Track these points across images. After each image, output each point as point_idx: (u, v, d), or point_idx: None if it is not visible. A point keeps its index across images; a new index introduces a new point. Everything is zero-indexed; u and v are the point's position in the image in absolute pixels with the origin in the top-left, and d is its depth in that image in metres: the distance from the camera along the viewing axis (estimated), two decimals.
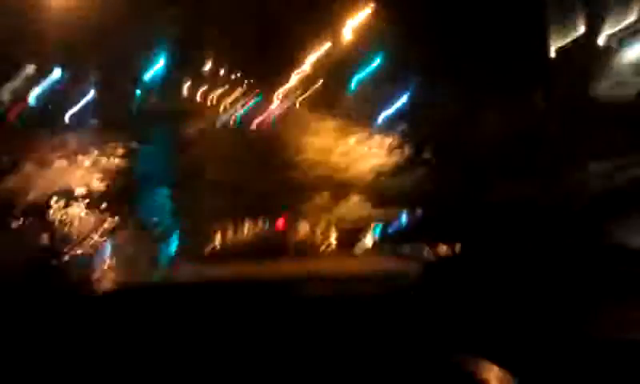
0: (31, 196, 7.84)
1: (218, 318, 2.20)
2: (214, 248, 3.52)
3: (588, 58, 13.63)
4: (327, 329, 2.00)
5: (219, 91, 36.43)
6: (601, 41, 13.37)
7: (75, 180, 9.74)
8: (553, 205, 6.36)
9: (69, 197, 7.94)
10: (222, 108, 35.99)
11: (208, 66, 33.60)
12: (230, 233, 3.82)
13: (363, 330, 2.01)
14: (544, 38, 14.45)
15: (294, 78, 35.44)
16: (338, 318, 2.11)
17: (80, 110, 21.44)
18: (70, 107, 20.99)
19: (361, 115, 22.68)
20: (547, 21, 14.58)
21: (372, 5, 21.95)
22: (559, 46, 14.25)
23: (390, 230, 3.78)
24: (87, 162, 12.48)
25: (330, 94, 27.55)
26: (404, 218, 4.38)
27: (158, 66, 25.85)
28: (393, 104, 20.11)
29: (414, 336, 1.83)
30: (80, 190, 8.46)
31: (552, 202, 6.95)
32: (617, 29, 13.30)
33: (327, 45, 28.25)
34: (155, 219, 7.43)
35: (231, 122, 34.59)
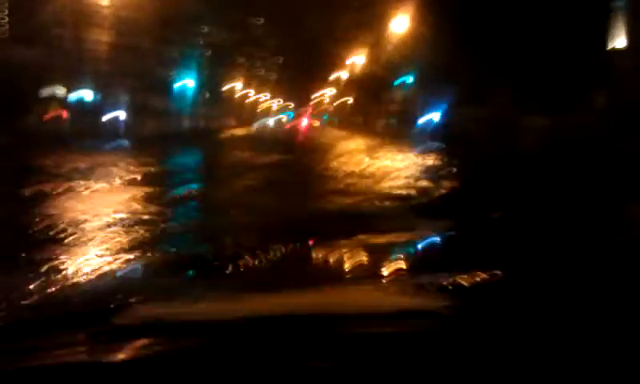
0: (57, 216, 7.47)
1: (244, 357, 1.77)
2: (237, 277, 3.12)
3: None
4: (352, 371, 1.53)
5: (255, 101, 36.64)
6: None
7: (101, 202, 9.37)
8: (609, 231, 5.63)
9: (92, 219, 7.53)
10: (256, 117, 36.16)
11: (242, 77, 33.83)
12: (254, 259, 3.41)
13: (390, 374, 1.55)
14: (603, 37, 13.72)
15: (329, 92, 35.22)
16: (363, 358, 1.66)
17: (111, 130, 21.42)
18: (101, 127, 20.95)
19: (395, 131, 22.43)
20: (606, 17, 13.84)
21: (407, 19, 21.32)
22: (618, 44, 13.53)
23: (423, 257, 3.34)
24: (116, 183, 12.09)
25: (364, 109, 27.16)
26: (438, 243, 3.90)
27: (189, 83, 25.75)
28: (430, 118, 19.42)
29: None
30: (104, 213, 8.07)
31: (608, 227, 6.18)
32: None
33: (364, 57, 27.84)
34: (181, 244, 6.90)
35: (267, 130, 34.68)
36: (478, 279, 1.88)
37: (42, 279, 3.59)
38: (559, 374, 1.39)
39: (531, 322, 1.56)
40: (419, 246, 3.64)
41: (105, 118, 20.65)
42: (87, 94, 20.89)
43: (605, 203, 7.02)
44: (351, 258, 3.30)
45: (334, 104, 32.88)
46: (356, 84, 28.64)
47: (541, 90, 14.03)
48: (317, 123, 32.55)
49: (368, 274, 2.70)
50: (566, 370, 1.40)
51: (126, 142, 19.20)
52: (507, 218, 6.55)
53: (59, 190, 9.09)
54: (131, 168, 12.77)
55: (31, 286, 3.01)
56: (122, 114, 21.59)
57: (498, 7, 15.04)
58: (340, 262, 3.19)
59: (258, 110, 34.73)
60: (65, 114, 19.56)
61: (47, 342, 1.62)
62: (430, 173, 12.41)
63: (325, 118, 34.18)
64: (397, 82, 23.13)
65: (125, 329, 1.65)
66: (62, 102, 20.02)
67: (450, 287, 1.90)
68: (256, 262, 3.12)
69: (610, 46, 13.77)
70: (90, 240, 6.20)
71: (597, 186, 8.35)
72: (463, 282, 1.89)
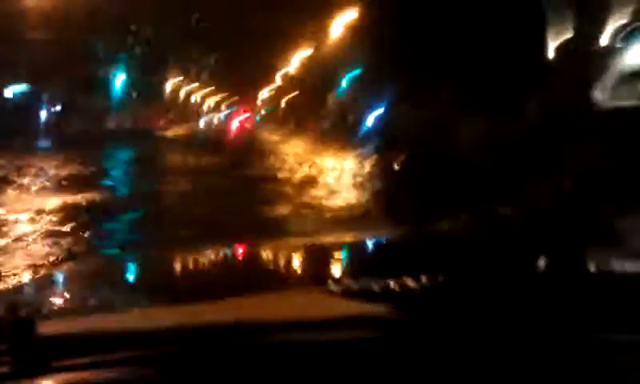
0: None
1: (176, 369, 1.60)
2: (167, 285, 2.90)
3: (586, 59, 13.02)
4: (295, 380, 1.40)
5: (196, 98, 36.22)
6: (603, 40, 12.76)
7: (34, 200, 8.99)
8: (541, 226, 5.65)
9: (27, 217, 7.18)
10: (199, 115, 35.79)
11: (182, 74, 33.38)
12: (191, 262, 3.19)
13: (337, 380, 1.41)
14: (540, 38, 13.88)
15: (269, 89, 35.08)
16: (305, 367, 1.51)
17: (46, 126, 20.57)
18: (33, 124, 20.05)
19: (339, 127, 22.15)
20: (542, 18, 14.01)
21: (351, 13, 21.30)
22: (556, 45, 13.70)
23: (365, 261, 3.19)
24: (48, 181, 11.66)
25: (307, 105, 27.07)
26: (381, 247, 3.73)
27: (121, 79, 25.09)
28: (372, 115, 19.36)
29: None
30: (37, 210, 7.72)
31: (539, 222, 6.19)
32: (621, 24, 12.66)
33: (305, 54, 27.78)
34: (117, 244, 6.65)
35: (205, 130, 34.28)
36: (420, 283, 1.81)
37: None
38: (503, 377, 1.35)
39: (475, 327, 1.50)
40: (361, 250, 3.49)
41: (28, 117, 19.80)
42: (9, 91, 20.08)
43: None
44: (291, 262, 3.16)
45: (271, 105, 32.76)
46: (294, 85, 28.53)
47: (481, 90, 14.14)
48: (251, 124, 32.39)
49: (310, 279, 2.55)
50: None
51: (46, 143, 18.48)
52: (447, 223, 6.46)
53: None
54: (43, 171, 12.23)
55: None
56: (45, 113, 20.90)
57: (440, 5, 15.10)
58: (279, 266, 3.03)
59: (192, 110, 34.35)
60: None
61: None
62: (365, 179, 12.28)
63: (257, 119, 34.06)
64: (335, 83, 23.11)
65: (49, 341, 1.51)
66: None
67: (396, 291, 1.81)
68: (187, 269, 2.93)
69: (550, 45, 13.95)
70: (11, 249, 5.85)
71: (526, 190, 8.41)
72: (410, 285, 1.81)
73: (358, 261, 3.06)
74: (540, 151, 11.34)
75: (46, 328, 1.58)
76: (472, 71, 14.65)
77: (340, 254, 3.28)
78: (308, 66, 25.84)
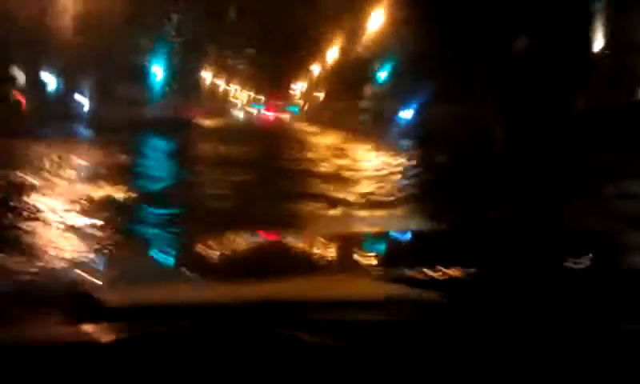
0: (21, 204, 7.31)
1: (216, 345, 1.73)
2: (205, 264, 3.03)
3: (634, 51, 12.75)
4: (327, 359, 1.49)
5: (234, 89, 36.39)
6: None
7: (70, 190, 9.20)
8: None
9: (61, 207, 7.40)
10: (232, 107, 35.99)
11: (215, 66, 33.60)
12: (222, 244, 3.31)
13: (367, 362, 1.50)
14: (585, 35, 13.62)
15: (306, 82, 35.09)
16: (340, 347, 1.61)
17: (87, 114, 20.89)
18: (74, 111, 20.40)
19: (375, 121, 22.43)
20: (587, 10, 13.72)
21: (382, 12, 21.20)
22: (603, 44, 13.44)
23: (397, 249, 3.27)
24: (84, 170, 11.91)
25: (343, 99, 27.03)
26: (413, 234, 3.82)
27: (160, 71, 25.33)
28: (404, 115, 19.32)
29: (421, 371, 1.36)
30: (73, 200, 7.94)
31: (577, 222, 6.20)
32: None
33: (341, 48, 27.74)
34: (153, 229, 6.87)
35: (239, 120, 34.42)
36: (463, 273, 1.87)
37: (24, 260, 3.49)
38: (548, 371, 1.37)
39: (519, 318, 1.54)
40: (402, 240, 3.57)
41: (67, 104, 20.25)
42: (49, 79, 20.44)
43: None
44: (331, 249, 3.25)
45: (306, 98, 32.78)
46: (329, 78, 28.51)
47: (519, 88, 13.99)
48: (286, 116, 32.45)
49: (350, 265, 2.64)
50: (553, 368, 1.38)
51: (87, 131, 18.97)
52: (488, 218, 6.51)
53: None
54: (90, 159, 12.47)
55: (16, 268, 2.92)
56: (85, 101, 21.30)
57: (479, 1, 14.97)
58: (320, 253, 3.11)
59: (229, 101, 34.52)
60: (22, 99, 19.06)
61: (33, 321, 1.58)
62: (404, 174, 12.28)
63: (295, 111, 34.09)
64: (371, 77, 23.05)
65: (115, 309, 1.63)
66: (21, 86, 19.55)
67: (437, 279, 1.86)
68: (231, 252, 3.03)
69: (592, 47, 13.72)
70: (64, 229, 6.04)
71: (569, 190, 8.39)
72: (451, 274, 1.86)
73: (401, 250, 3.16)
74: (583, 149, 11.21)
75: (110, 297, 1.71)
76: (512, 66, 14.53)
77: (383, 243, 3.42)
78: (344, 59, 25.82)
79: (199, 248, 3.08)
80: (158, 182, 10.97)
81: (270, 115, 32.56)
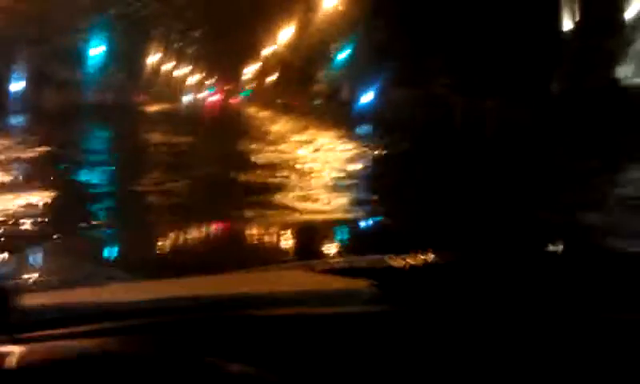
0: None
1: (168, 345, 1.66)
2: (152, 257, 2.87)
3: (609, 33, 12.70)
4: (283, 354, 1.43)
5: (179, 73, 36.04)
6: (629, 12, 12.42)
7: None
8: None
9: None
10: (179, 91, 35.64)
11: (163, 49, 33.16)
12: (171, 236, 3.15)
13: (323, 355, 1.45)
14: (554, 15, 13.54)
15: (253, 67, 34.91)
16: (295, 341, 1.55)
17: (16, 101, 20.08)
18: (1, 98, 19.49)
19: (330, 105, 22.15)
20: None
21: None
22: (573, 23, 13.37)
23: (356, 236, 3.18)
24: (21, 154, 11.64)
25: (293, 82, 26.93)
26: (373, 221, 3.70)
27: (99, 51, 24.67)
28: (363, 95, 19.20)
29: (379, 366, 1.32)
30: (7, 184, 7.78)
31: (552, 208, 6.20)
32: None
33: (292, 30, 27.58)
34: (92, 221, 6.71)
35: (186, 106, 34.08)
36: (411, 260, 1.82)
37: None
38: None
39: (496, 309, 1.51)
40: (354, 228, 3.53)
41: None
42: None
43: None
44: (278, 239, 3.09)
45: (258, 81, 32.65)
46: (282, 61, 28.37)
47: (483, 69, 13.88)
48: (237, 100, 32.23)
49: (297, 255, 2.55)
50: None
51: (17, 120, 18.17)
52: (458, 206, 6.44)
53: None
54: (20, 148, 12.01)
55: None
56: (13, 86, 20.10)
57: None
58: (265, 243, 2.99)
59: (177, 85, 34.21)
60: None
61: None
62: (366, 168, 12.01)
63: (245, 94, 33.87)
64: (326, 61, 22.98)
65: (26, 312, 1.52)
66: None
67: (382, 267, 1.83)
68: (175, 244, 2.85)
69: (560, 25, 13.65)
70: None
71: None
72: (395, 263, 1.82)
73: (346, 239, 3.06)
74: (561, 134, 11.14)
75: (24, 299, 1.55)
76: (477, 49, 14.37)
77: (326, 232, 3.33)
78: (298, 42, 25.71)
79: (131, 244, 3.03)
80: (84, 175, 10.68)
81: (221, 99, 32.33)
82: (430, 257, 1.86)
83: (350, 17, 19.80)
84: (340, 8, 20.75)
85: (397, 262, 1.82)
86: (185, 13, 27.22)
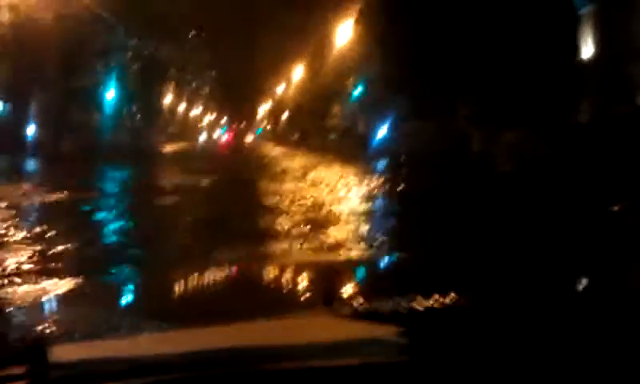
0: None
1: None
2: (175, 303, 2.85)
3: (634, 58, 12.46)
4: None
5: (195, 113, 36.14)
6: None
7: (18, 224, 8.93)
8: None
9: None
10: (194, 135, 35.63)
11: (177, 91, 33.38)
12: (193, 281, 3.14)
13: None
14: (570, 46, 13.30)
15: (267, 105, 34.95)
16: None
17: (34, 144, 20.11)
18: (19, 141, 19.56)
19: (346, 140, 21.56)
20: (573, 18, 13.40)
21: (350, 30, 21.01)
22: (597, 50, 13.15)
23: (375, 277, 3.14)
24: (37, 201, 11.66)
25: (309, 119, 26.85)
26: (391, 263, 3.66)
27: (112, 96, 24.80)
28: (383, 127, 19.06)
29: None
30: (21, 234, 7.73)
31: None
32: None
33: (305, 68, 27.60)
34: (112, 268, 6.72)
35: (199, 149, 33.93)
36: (434, 303, 1.79)
37: None
38: None
39: (492, 349, 1.50)
40: (373, 269, 3.43)
41: (14, 133, 19.15)
42: None
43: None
44: (295, 283, 3.12)
45: (272, 119, 32.72)
46: (294, 98, 28.35)
47: (501, 101, 13.63)
48: (251, 139, 32.25)
49: (317, 299, 2.51)
50: None
51: (34, 163, 17.91)
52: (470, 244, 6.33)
53: None
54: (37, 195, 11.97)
55: None
56: (31, 129, 20.40)
57: (451, 11, 14.65)
58: (283, 289, 2.97)
59: (191, 125, 34.27)
60: None
61: None
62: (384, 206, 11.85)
63: (258, 132, 33.92)
64: (339, 96, 22.93)
65: (61, 366, 1.51)
66: None
67: (406, 311, 1.79)
68: (193, 292, 2.88)
69: (578, 56, 13.45)
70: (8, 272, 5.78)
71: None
72: (419, 307, 1.78)
73: (368, 281, 3.04)
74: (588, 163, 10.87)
75: (58, 353, 1.59)
76: (494, 81, 14.19)
77: (347, 274, 3.27)
78: (310, 78, 25.61)
79: (156, 292, 2.95)
80: (108, 223, 10.66)
81: (234, 139, 32.39)
82: (453, 299, 1.86)
83: (363, 52, 19.85)
84: (353, 43, 20.82)
85: (419, 304, 1.80)
86: (198, 54, 27.45)
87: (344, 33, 21.46)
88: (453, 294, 1.86)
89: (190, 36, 26.11)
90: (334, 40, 22.35)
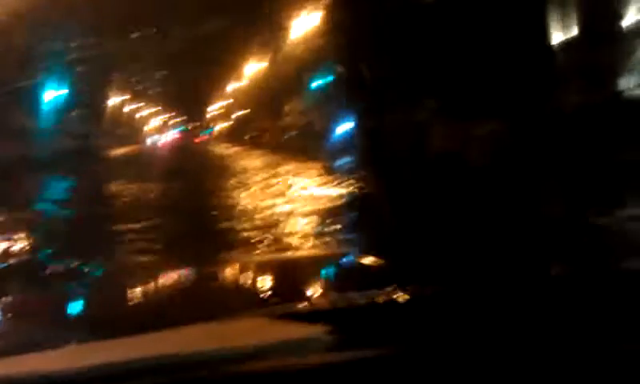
0: None
1: None
2: (109, 313, 2.72)
3: (609, 42, 12.70)
4: None
5: (143, 115, 35.98)
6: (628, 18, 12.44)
7: None
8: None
9: None
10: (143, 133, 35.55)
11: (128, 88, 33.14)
12: (132, 289, 3.01)
13: None
14: (542, 32, 13.50)
15: (219, 103, 34.90)
16: None
17: None
18: None
19: (304, 138, 21.10)
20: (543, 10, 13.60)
21: (310, 17, 20.97)
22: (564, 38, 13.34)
23: (331, 275, 3.05)
24: None
25: (261, 118, 26.87)
26: (351, 263, 3.60)
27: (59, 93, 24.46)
28: (339, 126, 19.06)
29: None
30: None
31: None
32: None
33: (257, 67, 27.58)
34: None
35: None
36: (370, 301, 1.86)
37: None
38: None
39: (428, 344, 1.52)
40: (330, 267, 3.51)
41: None
42: None
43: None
44: (245, 285, 3.06)
45: (225, 117, 32.67)
46: (249, 95, 28.36)
47: (470, 91, 13.75)
48: (203, 139, 32.30)
49: (248, 303, 2.52)
50: None
51: None
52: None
53: None
54: None
55: None
56: None
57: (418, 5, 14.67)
58: (231, 291, 2.99)
59: (140, 126, 34.13)
60: None
61: None
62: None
63: (208, 131, 34.05)
64: (297, 92, 22.89)
65: None
66: None
67: (342, 308, 1.89)
68: (136, 296, 2.94)
69: (555, 39, 13.60)
70: None
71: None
72: (360, 302, 1.87)
73: (307, 280, 2.99)
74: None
75: None
76: (461, 71, 14.24)
77: (286, 273, 3.25)
78: (264, 75, 25.69)
79: (86, 300, 2.95)
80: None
81: (184, 138, 32.41)
82: (398, 293, 1.84)
83: (322, 44, 19.76)
84: (311, 36, 20.72)
85: (356, 301, 1.84)
86: (147, 52, 27.22)
87: (301, 25, 21.35)
88: (391, 289, 1.87)
89: (134, 35, 25.74)
90: (291, 33, 22.21)
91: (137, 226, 10.30)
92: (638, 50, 12.28)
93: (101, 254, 8.17)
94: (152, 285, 3.17)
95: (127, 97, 30.88)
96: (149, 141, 32.52)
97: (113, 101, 29.68)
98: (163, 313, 2.45)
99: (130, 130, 31.32)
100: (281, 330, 1.83)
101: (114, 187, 16.48)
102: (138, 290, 3.07)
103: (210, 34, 23.13)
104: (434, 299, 1.85)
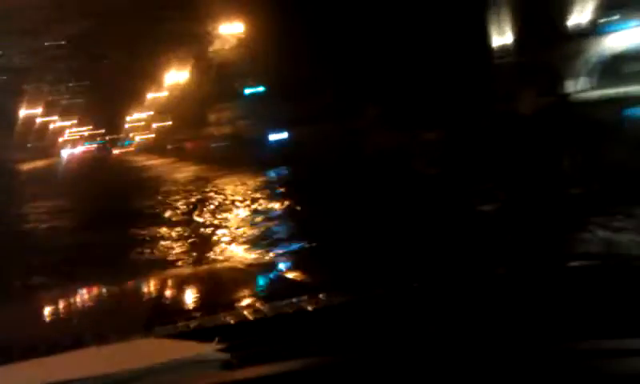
0: None
1: None
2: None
3: (554, 46, 13.06)
4: None
5: (58, 127, 35.57)
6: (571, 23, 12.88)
7: None
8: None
9: None
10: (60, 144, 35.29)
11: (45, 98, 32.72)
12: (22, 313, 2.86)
13: None
14: (483, 35, 13.79)
15: (139, 117, 34.88)
16: None
17: None
18: None
19: (230, 155, 21.70)
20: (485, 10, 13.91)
21: (239, 28, 21.05)
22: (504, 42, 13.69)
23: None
24: None
25: (188, 127, 26.93)
26: (279, 267, 3.50)
27: None
28: (271, 134, 19.29)
29: None
30: None
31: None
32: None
33: (181, 74, 27.62)
34: None
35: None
36: (256, 315, 1.96)
37: None
38: None
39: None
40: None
41: None
42: None
43: None
44: (145, 303, 2.99)
45: (146, 128, 32.64)
46: (173, 105, 28.43)
47: (409, 98, 13.90)
48: (122, 150, 32.24)
49: (134, 324, 2.42)
50: None
51: None
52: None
53: None
54: None
55: None
56: None
57: (353, 5, 14.77)
58: (132, 309, 2.85)
59: (57, 139, 34.06)
60: None
61: None
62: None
63: (126, 143, 34.02)
64: (227, 101, 23.07)
65: None
66: None
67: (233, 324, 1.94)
68: (21, 323, 2.72)
69: (490, 44, 13.88)
70: None
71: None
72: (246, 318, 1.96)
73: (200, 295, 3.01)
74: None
75: None
76: (403, 78, 14.39)
77: (178, 290, 3.30)
78: (190, 84, 25.82)
79: None
80: None
81: (101, 151, 32.30)
82: (306, 301, 1.91)
83: (253, 53, 20.03)
84: (241, 44, 20.96)
85: (248, 316, 1.89)
86: (65, 65, 27.10)
87: (230, 32, 21.61)
88: (320, 297, 1.93)
89: (48, 44, 25.68)
90: (219, 41, 22.43)
91: (45, 244, 10.01)
92: (583, 53, 12.74)
93: None
94: (49, 306, 3.10)
95: (41, 109, 30.65)
96: (63, 153, 32.35)
97: (25, 112, 29.49)
98: (56, 336, 2.34)
99: (43, 142, 31.10)
100: (174, 349, 1.81)
101: (24, 203, 16.11)
102: (32, 313, 2.95)
103: (133, 47, 23.09)
104: (364, 305, 1.90)
